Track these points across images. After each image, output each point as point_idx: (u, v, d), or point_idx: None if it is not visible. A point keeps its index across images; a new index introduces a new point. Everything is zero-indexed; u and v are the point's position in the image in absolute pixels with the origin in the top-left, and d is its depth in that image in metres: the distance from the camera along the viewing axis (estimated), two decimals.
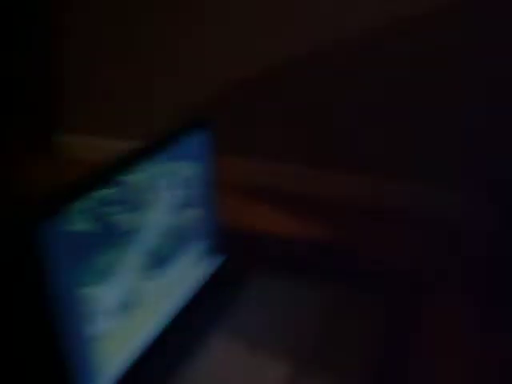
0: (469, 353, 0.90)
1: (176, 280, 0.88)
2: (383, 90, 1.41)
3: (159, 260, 0.81)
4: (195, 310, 0.91)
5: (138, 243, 0.75)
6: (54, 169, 1.68)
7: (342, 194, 1.51)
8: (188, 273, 0.92)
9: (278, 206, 1.47)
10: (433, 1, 1.29)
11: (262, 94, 1.54)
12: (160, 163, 0.80)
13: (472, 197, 1.39)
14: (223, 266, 1.04)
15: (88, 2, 1.63)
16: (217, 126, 0.96)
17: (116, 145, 1.67)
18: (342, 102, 1.47)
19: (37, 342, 0.68)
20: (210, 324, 0.89)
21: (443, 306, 1.02)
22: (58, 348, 0.62)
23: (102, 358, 0.70)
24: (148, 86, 1.65)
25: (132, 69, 1.65)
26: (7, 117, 1.86)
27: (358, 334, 0.89)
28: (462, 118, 1.36)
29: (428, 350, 0.90)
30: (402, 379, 0.83)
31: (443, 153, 1.41)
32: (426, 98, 1.38)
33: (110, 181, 0.69)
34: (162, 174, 0.81)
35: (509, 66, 1.28)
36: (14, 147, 1.79)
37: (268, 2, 1.44)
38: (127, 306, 0.74)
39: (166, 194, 0.83)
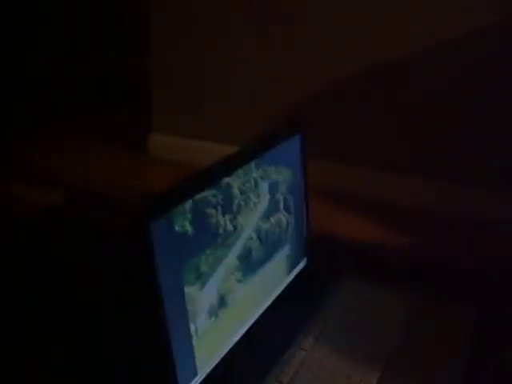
0: None
1: (268, 282, 0.88)
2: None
3: (253, 263, 0.82)
4: (283, 313, 0.92)
5: (237, 245, 0.77)
6: (143, 168, 1.75)
7: (428, 201, 1.47)
8: (277, 276, 0.92)
9: (360, 211, 1.45)
10: None
11: (352, 97, 1.52)
12: (260, 167, 0.81)
13: None
14: (307, 269, 1.04)
15: (181, 2, 1.67)
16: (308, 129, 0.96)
17: (206, 147, 1.73)
18: (435, 106, 1.42)
19: (145, 334, 0.72)
20: (297, 326, 0.89)
21: None
22: (164, 342, 0.65)
23: (199, 355, 0.72)
24: (242, 88, 1.67)
25: (227, 70, 1.68)
26: (107, 117, 1.96)
27: (446, 343, 0.87)
28: None
29: None
30: None
31: None
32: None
33: (212, 183, 0.71)
34: (261, 177, 0.82)
35: None
36: (111, 147, 1.88)
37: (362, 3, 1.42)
38: (222, 306, 0.75)
39: (265, 197, 0.83)
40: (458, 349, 0.86)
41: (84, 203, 1.41)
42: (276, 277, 0.92)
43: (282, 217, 0.90)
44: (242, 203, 0.77)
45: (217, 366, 0.77)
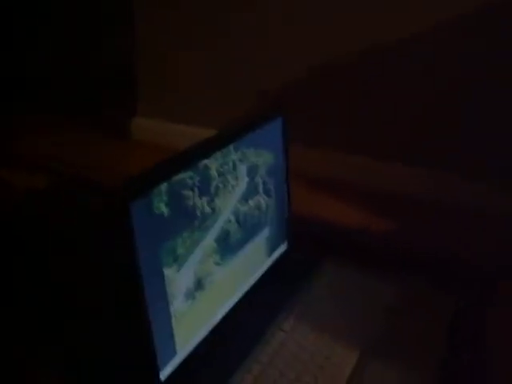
0: None
1: (247, 265, 0.89)
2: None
3: (232, 245, 0.83)
4: (263, 295, 0.92)
5: (215, 228, 0.77)
6: (128, 152, 1.74)
7: (412, 188, 1.47)
8: (258, 259, 0.93)
9: (345, 196, 1.46)
10: None
11: (334, 85, 1.52)
12: (239, 149, 0.81)
13: None
14: (289, 253, 1.04)
15: None
16: (290, 114, 0.96)
17: (190, 131, 1.72)
18: (414, 94, 1.42)
19: (123, 312, 0.73)
20: (277, 308, 0.90)
21: None
22: (143, 322, 0.66)
23: (178, 336, 0.72)
24: (225, 72, 1.66)
25: (209, 55, 1.67)
26: (91, 102, 1.95)
27: (426, 327, 0.88)
28: None
29: (500, 346, 0.88)
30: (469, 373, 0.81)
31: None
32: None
33: (190, 165, 0.71)
34: (240, 160, 0.82)
35: None
36: (92, 131, 1.87)
37: None
38: (199, 288, 0.75)
39: (243, 180, 0.83)
40: (439, 335, 0.87)
41: (69, 187, 1.40)
42: (256, 259, 0.93)
43: (262, 200, 0.90)
44: (220, 185, 0.77)
45: (197, 347, 0.78)
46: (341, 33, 1.45)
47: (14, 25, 2.08)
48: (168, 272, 0.68)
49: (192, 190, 0.71)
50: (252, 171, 0.86)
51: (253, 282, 0.92)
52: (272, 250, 0.98)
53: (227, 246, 0.81)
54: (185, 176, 0.70)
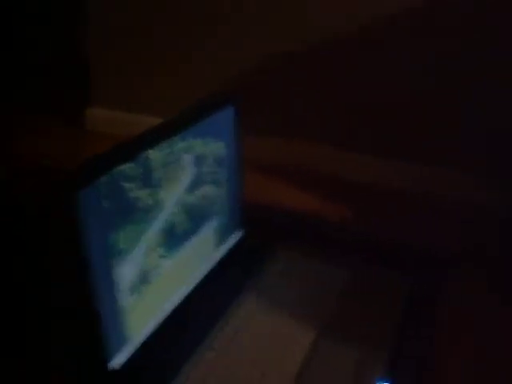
0: (492, 330, 0.91)
1: (196, 256, 0.88)
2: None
3: (178, 237, 0.81)
4: (219, 283, 0.92)
5: (160, 219, 0.75)
6: (81, 142, 1.71)
7: (367, 175, 1.48)
8: (209, 248, 0.92)
9: (298, 183, 1.46)
10: None
11: (290, 75, 1.51)
12: (185, 139, 0.80)
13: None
14: (244, 241, 1.04)
15: None
16: (243, 103, 0.95)
17: (143, 120, 1.69)
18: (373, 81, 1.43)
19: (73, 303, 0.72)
20: (233, 294, 0.90)
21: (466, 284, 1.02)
22: (92, 313, 0.65)
23: (128, 326, 0.72)
24: (176, 60, 1.64)
25: (159, 43, 1.64)
26: (41, 91, 1.90)
27: (379, 307, 0.90)
28: None
29: (450, 326, 0.90)
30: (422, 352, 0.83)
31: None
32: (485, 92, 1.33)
33: (131, 156, 0.69)
34: (186, 150, 0.80)
35: None
36: (45, 120, 1.82)
37: None
38: (145, 282, 0.74)
39: (189, 170, 0.82)
40: (393, 314, 0.89)
41: (25, 177, 1.37)
42: (207, 249, 0.92)
43: (209, 190, 0.89)
44: (164, 177, 0.76)
45: (150, 336, 0.77)
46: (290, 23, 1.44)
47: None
48: (114, 264, 0.67)
49: (134, 181, 0.69)
50: (199, 161, 0.84)
51: (206, 271, 0.92)
52: (224, 238, 0.97)
53: (173, 238, 0.80)
54: (125, 167, 0.68)
